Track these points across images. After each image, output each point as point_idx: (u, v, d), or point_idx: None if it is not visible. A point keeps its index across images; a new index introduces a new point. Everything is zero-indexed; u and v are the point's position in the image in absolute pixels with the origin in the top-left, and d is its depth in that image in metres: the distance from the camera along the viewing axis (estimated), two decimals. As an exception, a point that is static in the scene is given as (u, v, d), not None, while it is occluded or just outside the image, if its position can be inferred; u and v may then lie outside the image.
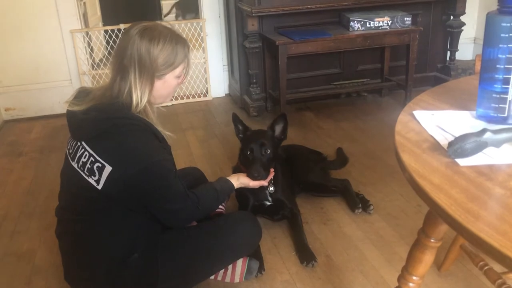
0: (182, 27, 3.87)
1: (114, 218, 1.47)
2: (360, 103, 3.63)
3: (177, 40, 1.47)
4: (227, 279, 1.74)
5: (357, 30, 3.19)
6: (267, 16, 3.22)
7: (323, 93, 3.57)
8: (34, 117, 3.71)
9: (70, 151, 1.48)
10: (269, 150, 1.92)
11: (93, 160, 1.38)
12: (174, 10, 6.68)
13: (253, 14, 3.10)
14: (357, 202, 2.18)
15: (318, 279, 1.77)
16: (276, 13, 3.17)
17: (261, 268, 1.79)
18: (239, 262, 1.74)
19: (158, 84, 1.47)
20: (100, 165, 1.37)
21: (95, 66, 3.93)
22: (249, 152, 1.93)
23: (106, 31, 3.87)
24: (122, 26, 3.70)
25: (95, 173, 1.38)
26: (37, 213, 2.33)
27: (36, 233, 2.16)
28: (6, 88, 3.65)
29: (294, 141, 2.88)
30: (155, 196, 1.44)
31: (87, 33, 3.80)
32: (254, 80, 3.44)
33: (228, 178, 1.76)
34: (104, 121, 1.39)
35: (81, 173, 1.41)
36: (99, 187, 1.38)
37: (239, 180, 1.79)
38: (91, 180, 1.39)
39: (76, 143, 1.45)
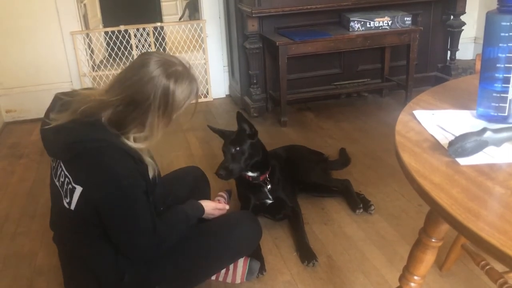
0: (183, 28, 3.87)
1: (95, 239, 1.42)
2: (360, 103, 3.63)
3: (193, 79, 1.42)
4: (228, 280, 1.74)
5: (357, 30, 3.19)
6: (267, 16, 3.22)
7: (324, 93, 3.57)
8: (35, 119, 3.71)
9: (54, 165, 1.45)
10: (239, 147, 1.93)
11: (68, 181, 1.36)
12: (187, 11, 6.63)
13: (253, 15, 3.10)
14: (358, 202, 2.18)
15: (319, 280, 1.77)
16: (276, 14, 3.17)
17: (262, 269, 1.79)
18: (240, 263, 1.74)
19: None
20: (71, 186, 1.34)
21: (96, 67, 3.94)
22: (223, 153, 1.98)
23: (106, 33, 3.89)
24: (122, 28, 3.71)
25: (67, 194, 1.36)
26: (38, 215, 2.33)
27: (38, 235, 2.16)
28: (7, 90, 3.65)
29: (295, 141, 2.88)
30: (121, 226, 1.36)
31: (87, 35, 3.81)
32: (255, 81, 3.44)
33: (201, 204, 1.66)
34: (74, 145, 1.32)
35: (61, 192, 1.39)
36: (72, 208, 1.36)
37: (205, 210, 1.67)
38: (65, 202, 1.38)
39: (57, 162, 1.42)
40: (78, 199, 1.33)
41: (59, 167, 1.40)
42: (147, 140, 1.39)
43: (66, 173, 1.36)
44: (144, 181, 1.38)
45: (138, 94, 1.32)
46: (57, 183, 1.42)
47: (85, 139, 1.31)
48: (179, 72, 1.37)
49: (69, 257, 1.53)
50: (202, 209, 1.65)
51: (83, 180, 1.33)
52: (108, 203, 1.33)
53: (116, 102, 1.33)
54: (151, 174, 1.44)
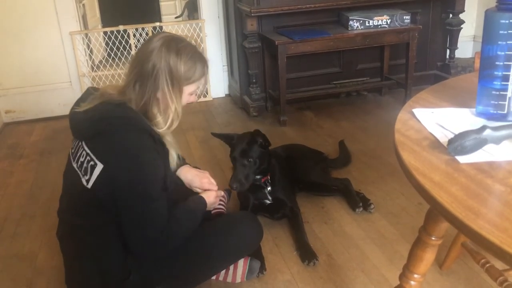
0: (182, 28, 3.87)
1: (107, 228, 1.43)
2: (360, 102, 3.63)
3: (199, 58, 1.48)
4: (229, 279, 1.74)
5: (356, 29, 3.19)
6: (266, 16, 3.22)
7: (323, 92, 3.57)
8: (34, 119, 3.71)
9: (73, 151, 1.48)
10: (251, 159, 1.92)
11: (89, 159, 1.37)
12: (186, 11, 6.63)
13: (252, 14, 3.10)
14: (357, 201, 2.18)
15: (319, 278, 1.77)
16: (275, 13, 3.17)
17: (262, 268, 1.79)
18: (241, 262, 1.73)
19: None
20: (93, 163, 1.36)
21: (95, 67, 3.94)
22: (232, 161, 1.95)
23: (105, 33, 3.88)
24: (121, 28, 3.71)
25: (87, 171, 1.37)
26: (38, 215, 2.33)
27: (37, 235, 2.16)
28: (6, 90, 3.65)
29: (294, 140, 2.88)
30: (134, 209, 1.35)
31: (86, 35, 3.80)
32: (254, 80, 3.44)
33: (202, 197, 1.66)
34: (100, 120, 1.38)
35: (79, 172, 1.40)
36: (89, 186, 1.36)
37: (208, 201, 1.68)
38: (83, 180, 1.38)
39: (78, 143, 1.45)
40: (98, 176, 1.34)
41: (80, 148, 1.42)
42: (167, 114, 1.44)
43: (88, 151, 1.38)
44: (162, 165, 1.42)
45: (144, 66, 1.40)
46: (74, 165, 1.43)
47: (111, 115, 1.38)
48: (182, 46, 1.44)
49: (75, 251, 1.51)
50: (204, 201, 1.64)
51: (105, 157, 1.35)
52: (126, 181, 1.34)
53: (132, 81, 1.42)
54: (172, 163, 1.54)
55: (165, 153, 1.49)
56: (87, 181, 1.36)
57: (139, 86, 1.42)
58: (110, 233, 1.43)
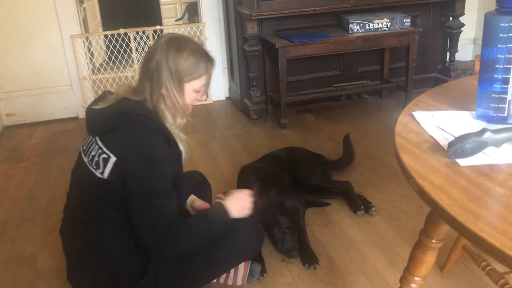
0: (182, 30, 3.88)
1: (119, 225, 1.43)
2: (360, 105, 3.63)
3: (202, 54, 1.50)
4: (229, 282, 1.74)
5: (356, 32, 3.19)
6: (266, 19, 3.23)
7: (323, 95, 3.57)
8: (35, 123, 3.72)
9: (84, 147, 1.50)
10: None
11: (101, 152, 1.40)
12: (186, 14, 6.65)
13: (253, 17, 3.10)
14: (358, 204, 2.18)
15: (320, 281, 1.77)
16: (275, 16, 3.17)
17: (263, 271, 1.79)
18: (241, 265, 1.73)
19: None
20: (106, 156, 1.38)
21: (96, 71, 3.94)
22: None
23: (106, 36, 3.88)
24: (122, 31, 3.72)
25: (100, 165, 1.39)
26: (38, 218, 2.33)
27: (38, 238, 2.16)
28: (7, 93, 3.65)
29: (295, 143, 2.88)
30: (141, 203, 1.37)
31: (87, 38, 3.81)
32: (254, 83, 3.44)
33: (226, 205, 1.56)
34: (118, 116, 1.43)
35: (90, 167, 1.42)
36: (105, 176, 1.38)
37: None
38: (97, 173, 1.39)
39: (91, 139, 1.47)
40: (111, 168, 1.37)
41: (92, 143, 1.45)
42: (173, 110, 1.49)
43: (101, 145, 1.41)
44: (174, 165, 1.47)
45: (150, 64, 1.46)
46: (85, 159, 1.45)
47: (130, 111, 1.43)
48: (183, 43, 1.48)
49: (82, 248, 1.50)
50: (224, 210, 1.54)
51: (119, 150, 1.38)
52: (136, 175, 1.37)
53: (142, 81, 1.48)
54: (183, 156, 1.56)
55: (178, 154, 1.52)
56: (102, 173, 1.38)
57: (147, 84, 1.47)
58: (122, 230, 1.44)
